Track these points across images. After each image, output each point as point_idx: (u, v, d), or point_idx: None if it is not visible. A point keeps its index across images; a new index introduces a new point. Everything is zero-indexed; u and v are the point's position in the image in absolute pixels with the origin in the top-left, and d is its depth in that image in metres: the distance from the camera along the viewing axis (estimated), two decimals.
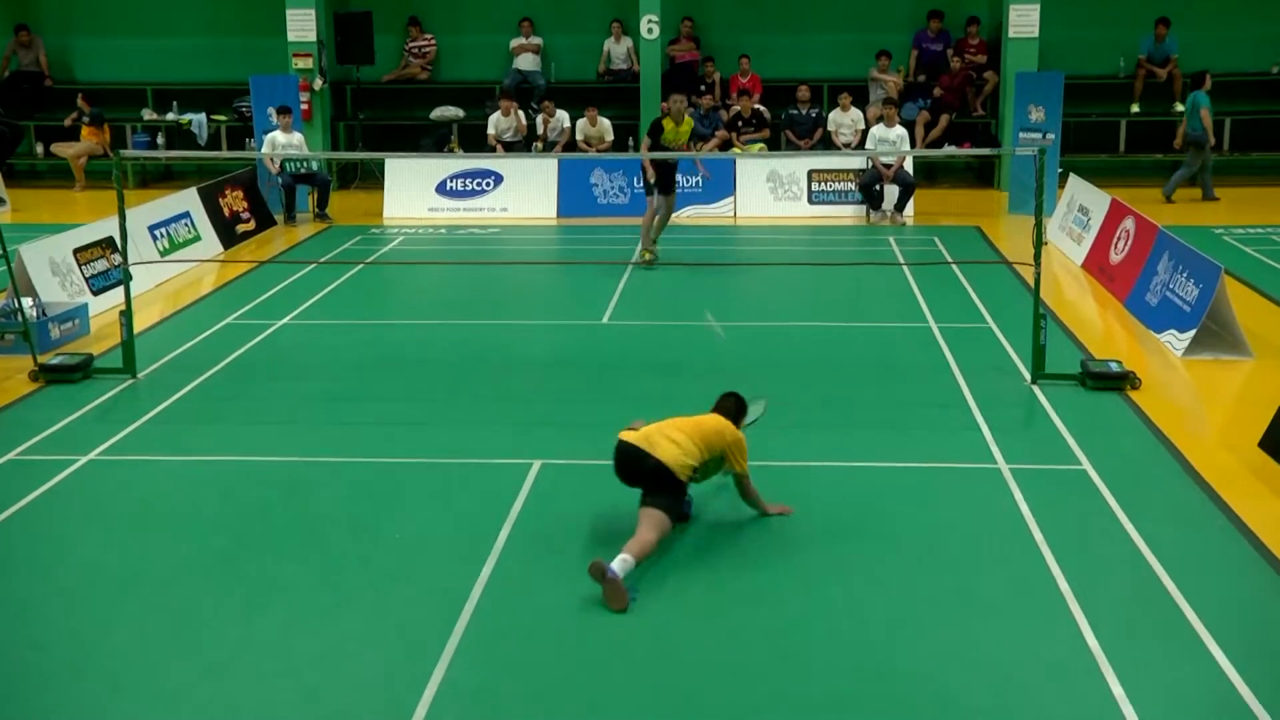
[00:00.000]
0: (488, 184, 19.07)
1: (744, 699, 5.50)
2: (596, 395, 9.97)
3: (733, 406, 7.38)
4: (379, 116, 22.58)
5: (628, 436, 7.01)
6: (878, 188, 18.22)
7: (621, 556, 6.39)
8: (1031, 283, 10.03)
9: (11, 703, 5.54)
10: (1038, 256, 9.95)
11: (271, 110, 18.70)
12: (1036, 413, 9.35)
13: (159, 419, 9.35)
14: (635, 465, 6.88)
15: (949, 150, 20.84)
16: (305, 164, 18.36)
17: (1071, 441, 8.63)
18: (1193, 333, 10.77)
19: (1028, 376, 10.01)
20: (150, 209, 15.07)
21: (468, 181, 19.08)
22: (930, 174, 21.97)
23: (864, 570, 6.75)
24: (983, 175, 21.79)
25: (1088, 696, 5.50)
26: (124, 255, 10.52)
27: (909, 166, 18.42)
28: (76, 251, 12.75)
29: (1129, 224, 13.62)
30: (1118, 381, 9.80)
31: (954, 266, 14.14)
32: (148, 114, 22.22)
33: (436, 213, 18.88)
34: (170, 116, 22.07)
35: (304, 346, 11.56)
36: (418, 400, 9.92)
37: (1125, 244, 13.50)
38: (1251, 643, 5.92)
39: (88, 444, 8.73)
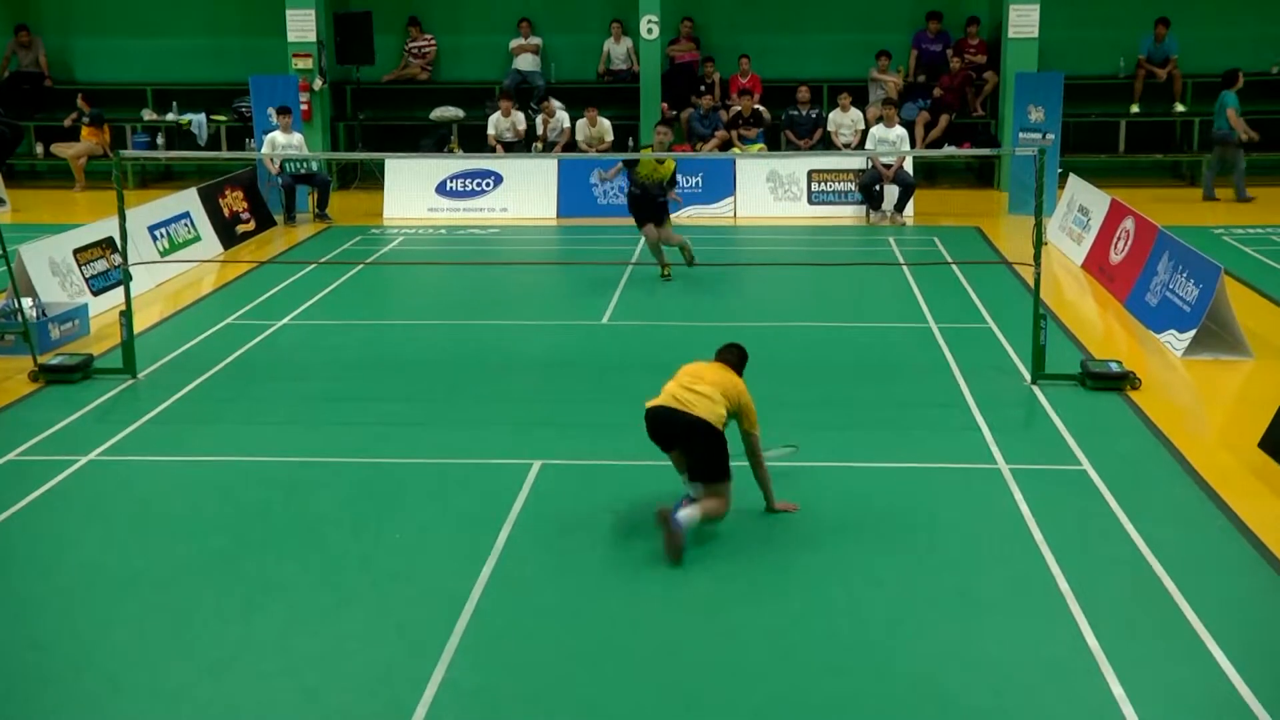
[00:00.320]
0: (487, 184, 19.07)
1: (744, 699, 5.50)
2: (596, 395, 9.97)
3: (735, 359, 7.48)
4: (379, 117, 22.56)
5: (656, 402, 7.12)
6: (878, 188, 18.21)
7: (688, 511, 6.43)
8: (1031, 283, 10.03)
9: (11, 703, 5.54)
10: (1038, 257, 9.95)
11: (271, 110, 18.70)
12: (1036, 413, 9.35)
13: (159, 419, 9.36)
14: (673, 426, 7.00)
15: (949, 150, 20.84)
16: (305, 164, 18.35)
17: (1071, 441, 8.63)
18: (1193, 333, 10.77)
19: (1028, 376, 10.01)
20: (150, 209, 15.07)
21: (468, 182, 19.08)
22: (930, 174, 21.96)
23: (864, 570, 6.75)
24: (982, 175, 21.79)
25: (1087, 696, 5.50)
26: (124, 255, 10.52)
27: (909, 167, 18.41)
28: (76, 252, 12.74)
29: (1129, 224, 13.62)
30: (1118, 382, 9.81)
31: (954, 267, 14.13)
32: (148, 114, 22.20)
33: (436, 213, 18.88)
34: (170, 117, 22.06)
35: (304, 347, 11.56)
36: (418, 400, 9.92)
37: (1125, 244, 13.50)
38: (1251, 643, 5.92)
39: (87, 444, 8.73)
